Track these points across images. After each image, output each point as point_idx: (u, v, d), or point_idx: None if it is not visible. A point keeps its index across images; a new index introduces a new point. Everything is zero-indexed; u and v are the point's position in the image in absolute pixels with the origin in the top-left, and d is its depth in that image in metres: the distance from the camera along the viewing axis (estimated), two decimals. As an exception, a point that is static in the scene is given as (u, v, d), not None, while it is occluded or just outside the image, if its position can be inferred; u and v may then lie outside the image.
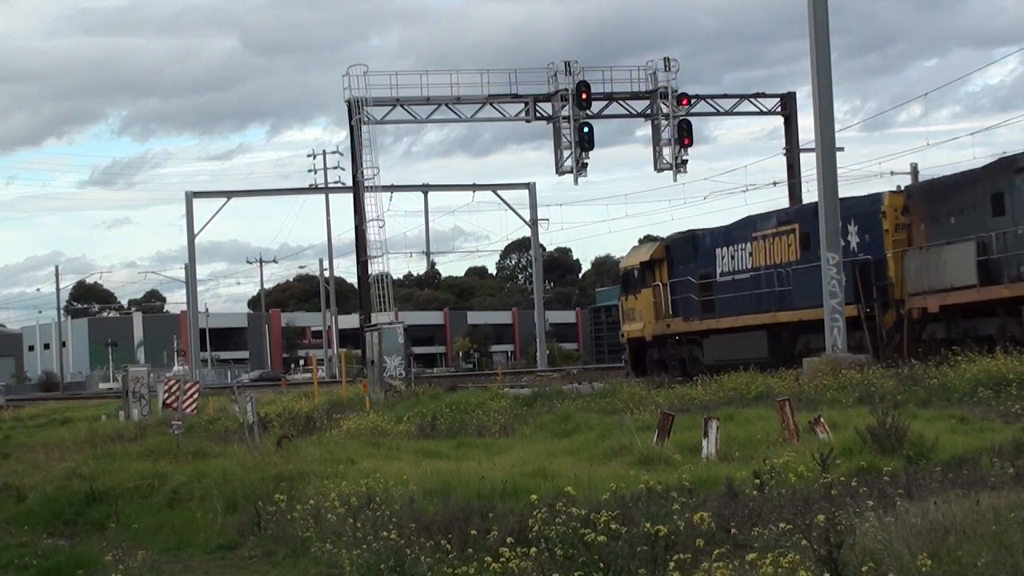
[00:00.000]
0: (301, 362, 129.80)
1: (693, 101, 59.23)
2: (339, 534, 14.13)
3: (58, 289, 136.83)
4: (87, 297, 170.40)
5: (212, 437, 30.13)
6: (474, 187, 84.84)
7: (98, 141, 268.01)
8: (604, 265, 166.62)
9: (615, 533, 11.50)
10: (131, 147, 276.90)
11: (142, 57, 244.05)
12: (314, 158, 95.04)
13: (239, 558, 16.00)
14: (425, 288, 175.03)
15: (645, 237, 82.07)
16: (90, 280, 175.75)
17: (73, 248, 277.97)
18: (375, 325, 50.55)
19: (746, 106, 61.55)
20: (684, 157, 58.63)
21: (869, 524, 10.79)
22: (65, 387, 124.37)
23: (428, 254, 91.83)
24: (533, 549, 11.37)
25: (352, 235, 59.36)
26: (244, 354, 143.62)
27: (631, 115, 59.58)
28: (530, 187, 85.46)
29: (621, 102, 58.71)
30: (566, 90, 56.82)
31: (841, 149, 44.18)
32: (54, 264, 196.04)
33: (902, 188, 40.15)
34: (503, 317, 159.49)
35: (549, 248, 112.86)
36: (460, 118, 59.79)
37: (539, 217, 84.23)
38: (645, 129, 60.72)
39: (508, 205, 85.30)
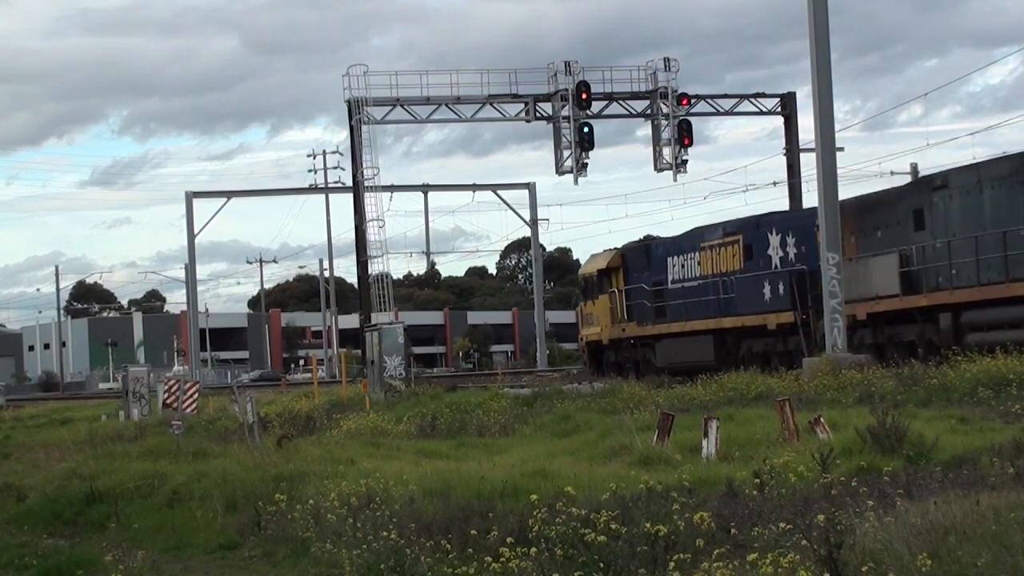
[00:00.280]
0: (301, 362, 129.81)
1: (693, 101, 59.22)
2: (339, 534, 14.13)
3: (58, 289, 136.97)
4: (87, 297, 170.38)
5: (212, 437, 30.12)
6: (474, 187, 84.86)
7: (98, 141, 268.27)
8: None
9: (615, 533, 11.50)
10: (131, 147, 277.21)
11: (142, 57, 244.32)
12: (314, 158, 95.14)
13: (239, 558, 16.00)
14: (425, 288, 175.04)
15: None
16: (90, 280, 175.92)
17: (73, 248, 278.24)
18: (375, 325, 50.55)
19: (746, 106, 61.55)
20: (684, 157, 58.64)
21: (869, 524, 10.79)
22: (65, 387, 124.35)
23: (428, 254, 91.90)
24: (533, 549, 11.37)
25: (352, 235, 59.45)
26: (244, 354, 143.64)
27: (631, 115, 59.58)
28: (530, 187, 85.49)
29: (621, 102, 58.71)
30: (566, 90, 56.81)
31: (841, 149, 44.33)
32: (54, 264, 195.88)
33: None
34: (503, 317, 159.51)
35: (549, 248, 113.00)
36: (460, 118, 59.79)
37: (539, 217, 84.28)
38: (645, 129, 60.83)
39: (508, 205, 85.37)
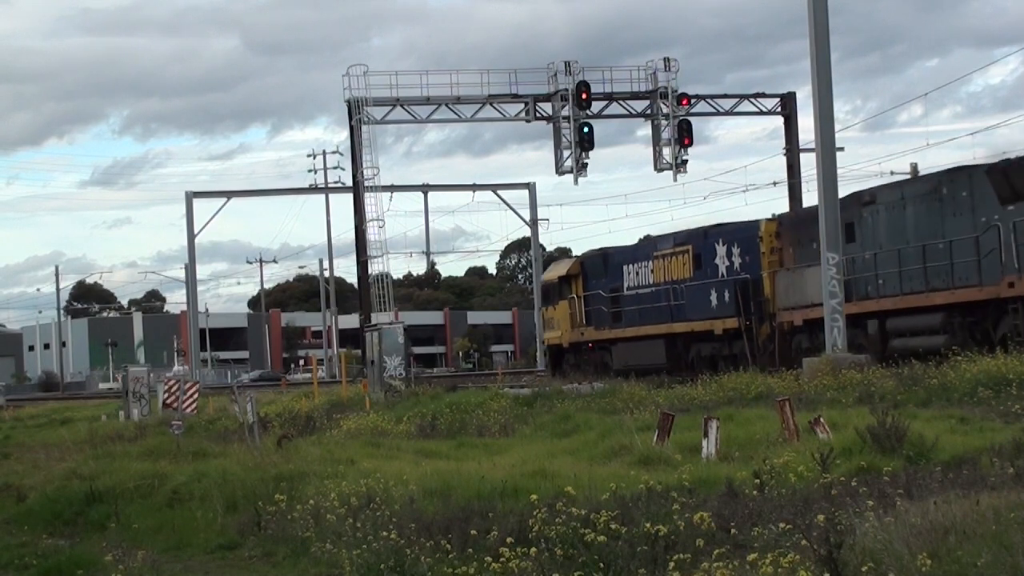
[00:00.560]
0: (301, 362, 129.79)
1: (693, 101, 59.16)
2: (339, 534, 14.13)
3: (58, 289, 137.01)
4: (87, 297, 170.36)
5: (212, 437, 30.13)
6: (474, 187, 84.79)
7: (99, 141, 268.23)
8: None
9: (615, 533, 11.50)
10: (132, 147, 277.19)
11: (143, 57, 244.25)
12: (314, 158, 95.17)
13: (239, 558, 16.00)
14: (425, 288, 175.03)
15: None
16: (90, 280, 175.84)
17: (74, 248, 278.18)
18: (375, 325, 50.55)
19: (746, 106, 61.49)
20: (684, 157, 58.56)
21: (869, 524, 10.79)
22: (65, 387, 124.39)
23: (428, 254, 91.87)
24: (533, 549, 11.37)
25: (352, 235, 59.40)
26: (244, 354, 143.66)
27: (631, 115, 59.51)
28: (530, 187, 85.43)
29: (621, 102, 58.65)
30: (566, 90, 56.75)
31: (841, 149, 44.56)
32: (54, 264, 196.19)
33: (775, 216, 44.57)
34: (503, 317, 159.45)
35: (549, 248, 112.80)
36: (460, 118, 59.74)
37: (539, 217, 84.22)
38: (645, 129, 60.70)
39: (508, 205, 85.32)
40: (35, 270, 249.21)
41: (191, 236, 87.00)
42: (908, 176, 49.25)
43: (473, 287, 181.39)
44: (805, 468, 15.28)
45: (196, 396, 33.33)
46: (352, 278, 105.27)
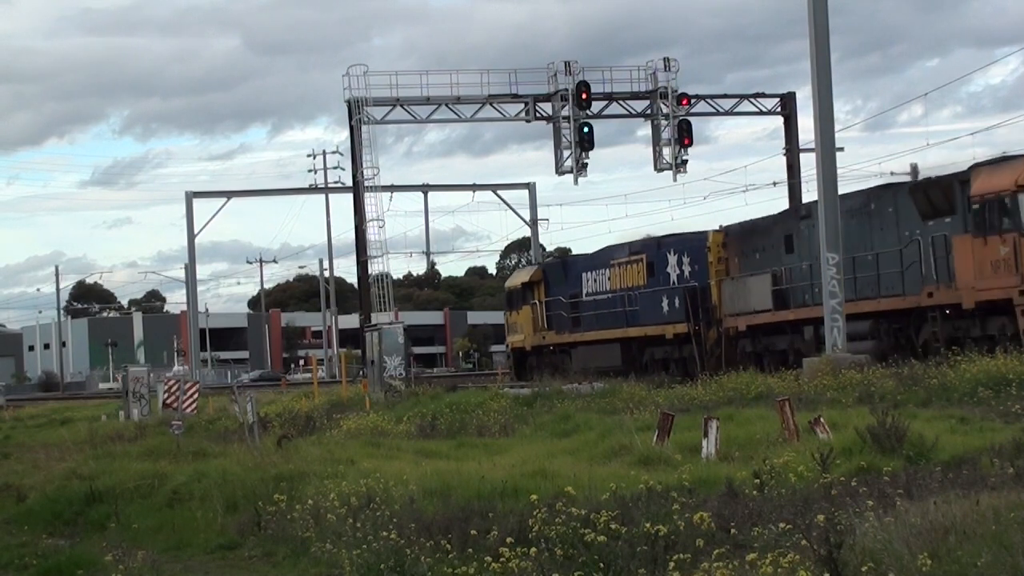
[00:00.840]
0: (301, 362, 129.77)
1: (693, 101, 59.13)
2: (339, 534, 14.13)
3: (58, 289, 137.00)
4: (87, 297, 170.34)
5: (212, 437, 30.13)
6: (474, 187, 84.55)
7: (99, 141, 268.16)
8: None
9: (615, 533, 11.50)
10: (132, 147, 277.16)
11: (144, 57, 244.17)
12: (314, 158, 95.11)
13: (239, 558, 16.00)
14: (425, 288, 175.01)
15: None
16: (90, 280, 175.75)
17: (74, 248, 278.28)
18: (375, 325, 50.54)
19: (746, 106, 61.47)
20: (684, 157, 58.53)
21: (869, 524, 10.79)
22: (65, 387, 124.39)
23: (428, 254, 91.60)
24: (533, 549, 11.37)
25: (352, 235, 59.39)
26: (244, 354, 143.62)
27: (631, 115, 59.49)
28: (530, 187, 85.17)
29: (621, 102, 58.62)
30: (566, 90, 56.72)
31: (841, 149, 44.69)
32: (55, 264, 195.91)
33: (722, 227, 46.91)
34: (503, 317, 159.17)
35: (549, 248, 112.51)
36: (460, 118, 59.73)
37: (539, 217, 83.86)
38: (645, 129, 60.67)
39: (508, 205, 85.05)
40: (35, 270, 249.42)
41: (191, 236, 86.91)
42: (844, 192, 50.75)
43: (473, 287, 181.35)
44: (805, 468, 15.28)
45: (196, 396, 33.34)
46: (352, 278, 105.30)
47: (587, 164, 57.29)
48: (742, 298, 42.51)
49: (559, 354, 53.62)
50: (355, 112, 55.90)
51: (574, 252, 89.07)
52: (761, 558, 9.72)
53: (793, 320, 39.87)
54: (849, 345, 35.44)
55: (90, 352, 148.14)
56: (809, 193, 58.38)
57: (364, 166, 55.92)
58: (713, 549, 10.70)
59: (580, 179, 57.29)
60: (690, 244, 46.48)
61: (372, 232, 55.77)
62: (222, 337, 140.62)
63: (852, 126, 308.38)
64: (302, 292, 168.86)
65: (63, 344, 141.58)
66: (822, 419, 19.47)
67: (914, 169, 67.41)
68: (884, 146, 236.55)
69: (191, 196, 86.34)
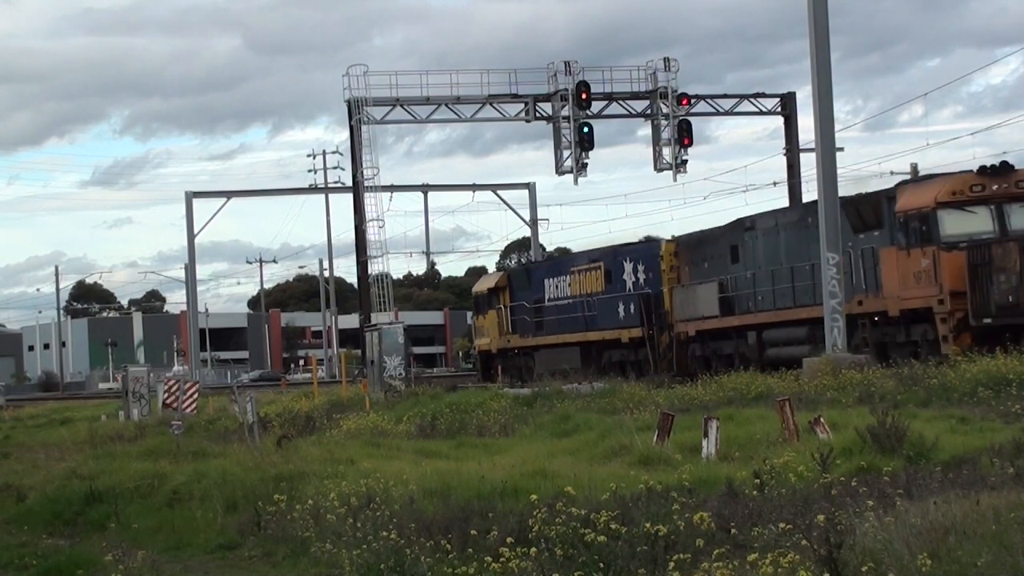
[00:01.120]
0: (301, 362, 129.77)
1: (693, 101, 59.16)
2: (339, 534, 14.13)
3: (58, 289, 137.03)
4: (87, 297, 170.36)
5: (212, 437, 30.11)
6: (474, 187, 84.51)
7: (100, 141, 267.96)
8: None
9: (615, 533, 11.50)
10: (133, 147, 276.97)
11: (144, 57, 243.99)
12: (314, 158, 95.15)
13: (239, 558, 15.99)
14: (425, 288, 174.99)
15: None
16: (90, 280, 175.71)
17: (74, 248, 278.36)
18: (375, 325, 50.56)
19: (746, 106, 61.51)
20: (684, 157, 58.57)
21: (869, 524, 10.79)
22: (65, 387, 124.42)
23: (428, 254, 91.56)
24: (533, 549, 11.37)
25: (352, 235, 59.44)
26: (244, 354, 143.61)
27: (631, 115, 59.53)
28: (530, 187, 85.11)
29: (621, 102, 58.65)
30: (566, 90, 56.75)
31: (841, 149, 44.80)
32: (55, 264, 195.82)
33: (674, 238, 49.86)
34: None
35: (549, 248, 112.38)
36: (460, 118, 59.77)
37: (539, 217, 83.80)
38: (645, 129, 60.73)
39: (508, 205, 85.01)
40: (35, 270, 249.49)
41: (191, 236, 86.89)
42: (783, 207, 53.98)
43: (473, 287, 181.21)
44: (805, 468, 15.28)
45: (196, 396, 33.34)
46: (352, 278, 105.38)
47: (587, 164, 57.40)
48: (692, 305, 44.80)
49: (523, 356, 55.72)
50: (355, 112, 55.92)
51: (573, 252, 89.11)
52: (761, 558, 9.72)
53: (738, 326, 42.20)
54: (788, 349, 38.05)
55: (90, 352, 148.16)
56: (809, 193, 58.50)
57: (364, 166, 55.96)
58: (713, 549, 10.70)
59: (580, 179, 57.46)
60: (644, 253, 49.19)
61: (372, 232, 55.86)
62: (222, 337, 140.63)
63: (852, 126, 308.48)
64: (302, 292, 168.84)
65: (63, 344, 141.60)
66: (822, 419, 19.47)
67: (914, 169, 67.26)
68: (884, 146, 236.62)
69: (191, 196, 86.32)
